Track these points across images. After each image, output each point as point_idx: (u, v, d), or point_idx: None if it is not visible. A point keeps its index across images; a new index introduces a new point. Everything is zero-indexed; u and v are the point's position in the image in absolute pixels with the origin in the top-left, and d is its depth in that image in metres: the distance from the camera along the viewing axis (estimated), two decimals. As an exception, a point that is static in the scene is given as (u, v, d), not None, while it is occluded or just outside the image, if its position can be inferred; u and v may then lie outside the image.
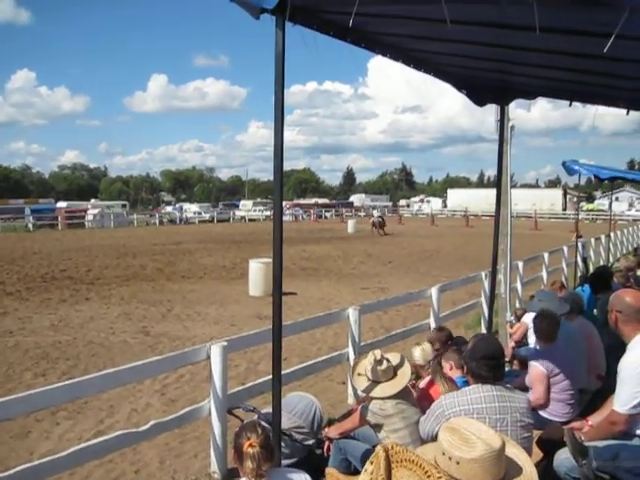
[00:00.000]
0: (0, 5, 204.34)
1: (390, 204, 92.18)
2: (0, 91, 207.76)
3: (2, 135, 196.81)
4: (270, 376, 3.81)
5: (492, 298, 7.23)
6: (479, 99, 5.97)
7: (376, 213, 48.06)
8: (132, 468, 5.78)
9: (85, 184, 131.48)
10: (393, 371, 4.25)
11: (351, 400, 7.25)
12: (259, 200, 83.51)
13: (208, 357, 5.28)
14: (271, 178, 4.01)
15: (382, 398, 4.14)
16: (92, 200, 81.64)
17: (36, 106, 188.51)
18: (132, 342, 10.55)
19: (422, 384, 4.92)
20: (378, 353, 4.31)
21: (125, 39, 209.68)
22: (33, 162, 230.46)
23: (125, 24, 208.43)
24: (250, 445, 2.81)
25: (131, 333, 11.16)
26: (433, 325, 8.63)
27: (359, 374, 4.36)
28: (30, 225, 50.53)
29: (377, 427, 4.18)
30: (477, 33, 3.70)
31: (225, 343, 5.36)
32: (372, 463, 2.30)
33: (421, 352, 5.07)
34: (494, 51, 4.28)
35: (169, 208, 79.61)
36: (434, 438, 3.48)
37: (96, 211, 56.68)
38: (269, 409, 4.91)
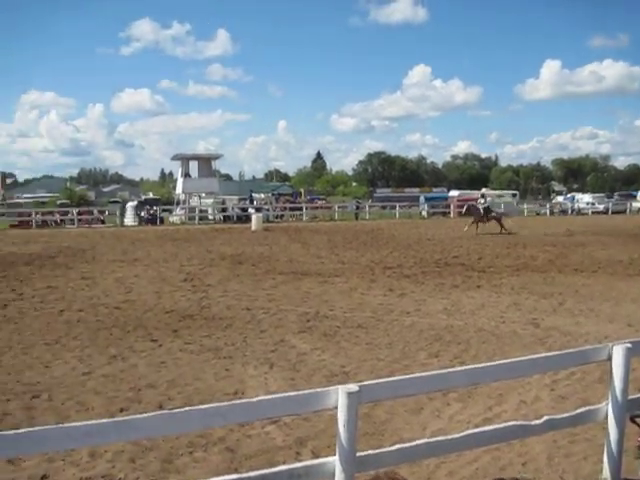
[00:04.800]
0: (400, 5, 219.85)
1: None
2: (399, 87, 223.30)
3: (400, 128, 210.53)
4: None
5: None
6: None
7: (482, 201, 35.16)
8: (519, 460, 5.73)
9: (476, 173, 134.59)
10: None
11: None
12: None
13: (609, 358, 4.98)
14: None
15: None
16: (483, 189, 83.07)
17: (431, 99, 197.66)
18: (521, 333, 10.48)
19: None
20: None
21: (518, 26, 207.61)
22: (427, 153, 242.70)
23: (521, 8, 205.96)
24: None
25: (521, 324, 11.09)
26: None
27: None
28: (424, 212, 53.42)
29: None
30: None
31: (629, 345, 5.01)
32: None
33: None
34: None
35: (560, 198, 77.31)
36: None
37: (486, 200, 57.61)
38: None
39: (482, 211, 32.79)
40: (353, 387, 3.94)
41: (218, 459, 5.73)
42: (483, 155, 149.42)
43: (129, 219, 44.10)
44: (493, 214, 33.34)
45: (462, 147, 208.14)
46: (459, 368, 4.85)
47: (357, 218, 49.05)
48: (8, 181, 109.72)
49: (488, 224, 32.08)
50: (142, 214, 43.76)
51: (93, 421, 3.61)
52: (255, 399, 3.94)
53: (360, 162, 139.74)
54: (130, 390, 7.58)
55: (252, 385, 7.80)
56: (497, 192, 70.94)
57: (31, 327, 10.84)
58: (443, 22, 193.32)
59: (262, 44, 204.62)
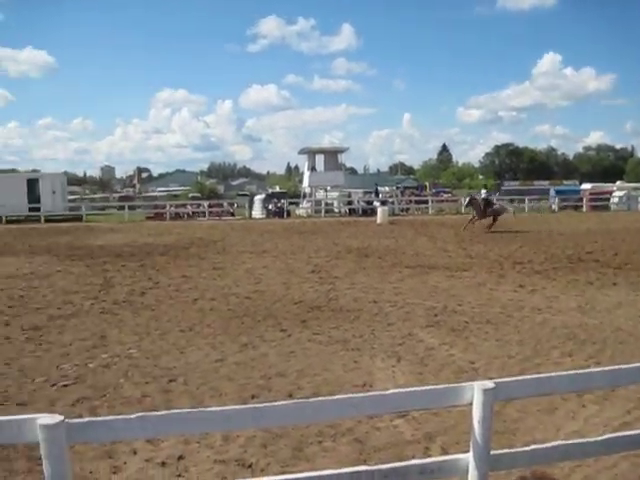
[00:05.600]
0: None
1: None
2: (527, 76, 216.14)
3: (528, 118, 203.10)
4: None
5: None
6: None
7: (483, 192, 30.73)
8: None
9: (609, 165, 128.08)
10: None
11: None
12: None
13: None
14: None
15: None
16: (617, 182, 79.10)
17: (561, 88, 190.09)
18: (665, 335, 9.90)
19: None
20: None
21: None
22: (557, 144, 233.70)
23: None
24: None
25: (662, 324, 10.48)
26: None
27: None
28: (554, 206, 51.50)
29: None
30: None
31: None
32: None
33: None
34: None
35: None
36: None
37: (622, 193, 54.78)
38: None
39: (482, 206, 28.87)
40: (489, 384, 3.87)
41: (347, 450, 5.78)
42: (618, 146, 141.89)
43: (257, 212, 45.36)
44: (495, 206, 29.45)
45: (595, 138, 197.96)
46: (599, 368, 4.64)
47: (484, 211, 48.04)
48: (144, 175, 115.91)
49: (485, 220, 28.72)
50: (269, 207, 44.88)
51: (231, 407, 3.72)
52: (388, 392, 3.93)
53: (487, 154, 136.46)
54: (261, 378, 7.79)
55: (380, 378, 7.81)
56: (633, 185, 67.21)
57: (167, 314, 11.37)
58: (574, 7, 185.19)
59: (386, 37, 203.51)
